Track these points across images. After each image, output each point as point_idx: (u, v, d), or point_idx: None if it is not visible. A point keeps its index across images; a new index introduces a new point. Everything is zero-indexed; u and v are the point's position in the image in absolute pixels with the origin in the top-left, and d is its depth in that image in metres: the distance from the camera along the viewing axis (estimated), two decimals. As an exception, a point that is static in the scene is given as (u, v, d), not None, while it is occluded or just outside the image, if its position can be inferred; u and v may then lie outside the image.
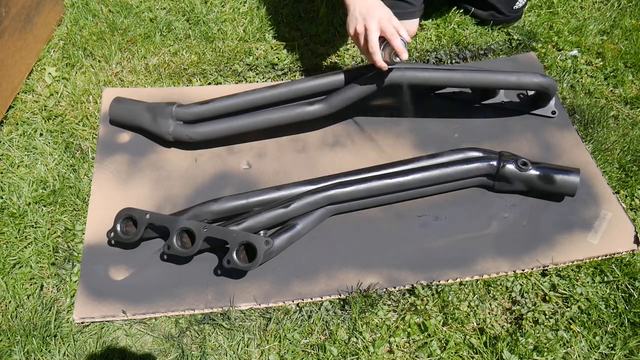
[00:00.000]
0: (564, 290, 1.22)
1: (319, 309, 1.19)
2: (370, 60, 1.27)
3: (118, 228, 1.22)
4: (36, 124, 1.51)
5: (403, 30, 1.25)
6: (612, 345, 1.15)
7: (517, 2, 1.71)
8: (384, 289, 1.21)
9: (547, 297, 1.21)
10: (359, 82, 1.35)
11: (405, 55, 1.23)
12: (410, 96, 1.50)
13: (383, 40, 1.25)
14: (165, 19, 1.80)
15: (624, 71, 1.68)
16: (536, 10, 1.85)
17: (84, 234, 1.29)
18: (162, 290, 1.20)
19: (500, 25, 1.78)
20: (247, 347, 1.14)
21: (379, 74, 1.33)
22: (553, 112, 1.52)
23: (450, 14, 1.80)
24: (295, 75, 1.66)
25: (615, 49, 1.73)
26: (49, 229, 1.31)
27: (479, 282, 1.23)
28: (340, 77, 1.41)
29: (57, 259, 1.26)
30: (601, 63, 1.70)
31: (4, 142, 1.47)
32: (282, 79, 1.65)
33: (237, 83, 1.64)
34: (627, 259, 1.26)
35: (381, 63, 1.25)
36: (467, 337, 1.15)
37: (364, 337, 1.14)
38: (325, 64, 1.68)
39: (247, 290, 1.20)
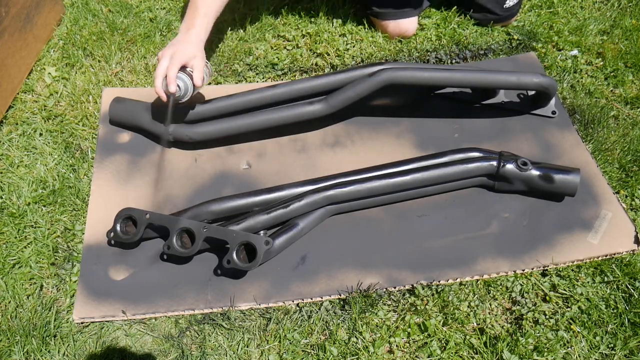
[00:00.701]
0: (564, 290, 1.21)
1: (319, 309, 1.19)
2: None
3: (118, 228, 1.22)
4: (36, 124, 1.51)
5: (198, 73, 1.29)
6: (612, 345, 1.14)
7: (508, 1, 1.71)
8: (384, 289, 1.21)
9: (547, 297, 1.21)
10: (359, 82, 1.35)
11: (171, 88, 1.24)
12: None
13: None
14: (165, 18, 1.80)
15: (624, 71, 1.67)
16: (536, 10, 1.85)
17: (83, 234, 1.29)
18: (162, 290, 1.20)
19: (499, 25, 1.78)
20: (247, 347, 1.14)
21: (380, 74, 1.33)
22: (553, 112, 1.52)
23: (450, 13, 1.80)
24: (295, 75, 1.66)
25: (615, 49, 1.73)
26: (48, 229, 1.30)
27: (479, 282, 1.23)
28: (340, 77, 1.41)
29: (56, 259, 1.26)
30: (601, 63, 1.70)
31: (3, 142, 1.47)
32: (282, 79, 1.65)
33: (237, 83, 1.63)
34: (627, 259, 1.26)
35: (158, 89, 1.26)
36: (467, 337, 1.15)
37: (364, 337, 1.14)
38: (325, 64, 1.68)
39: (247, 290, 1.20)
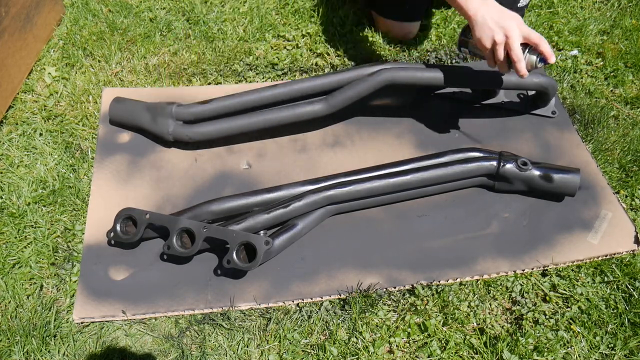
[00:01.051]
0: (564, 290, 1.21)
1: (319, 309, 1.19)
2: (512, 68, 1.21)
3: (118, 228, 1.22)
4: (36, 123, 1.51)
5: (536, 33, 1.19)
6: (612, 345, 1.14)
7: (521, 0, 1.71)
8: (384, 289, 1.21)
9: (547, 297, 1.21)
10: (359, 82, 1.35)
11: (553, 59, 1.17)
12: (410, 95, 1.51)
13: (525, 47, 1.19)
14: (165, 18, 1.80)
15: (624, 71, 1.68)
16: (536, 10, 1.85)
17: (83, 234, 1.28)
18: (162, 290, 1.20)
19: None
20: (247, 347, 1.14)
21: (380, 74, 1.33)
22: (553, 112, 1.52)
23: (450, 14, 1.80)
24: (295, 75, 1.66)
25: (615, 49, 1.73)
26: (48, 229, 1.30)
27: (479, 282, 1.23)
28: (340, 77, 1.41)
29: (56, 259, 1.26)
30: (601, 63, 1.70)
31: (3, 142, 1.47)
32: (282, 79, 1.65)
33: (237, 83, 1.64)
34: (627, 259, 1.26)
35: (524, 71, 1.18)
36: (467, 337, 1.15)
37: (364, 337, 1.14)
38: (325, 64, 1.68)
39: (247, 290, 1.20)
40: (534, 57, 1.19)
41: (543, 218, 1.32)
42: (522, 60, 1.17)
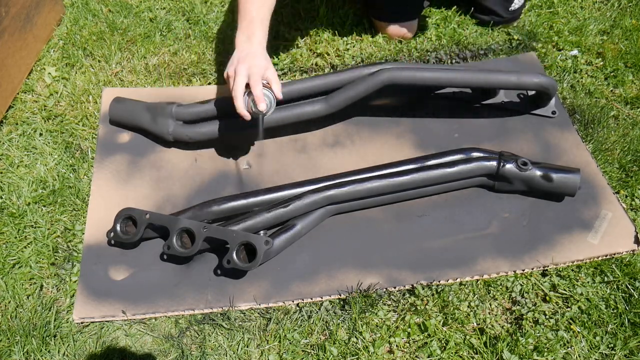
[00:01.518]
0: (564, 290, 1.21)
1: (319, 309, 1.19)
2: (234, 104, 1.22)
3: (118, 228, 1.22)
4: (36, 123, 1.51)
5: (276, 85, 1.22)
6: (612, 345, 1.14)
7: (514, 4, 1.72)
8: (384, 289, 1.21)
9: (547, 297, 1.21)
10: (359, 82, 1.35)
11: (262, 106, 1.19)
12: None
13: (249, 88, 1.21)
14: (165, 18, 1.80)
15: (624, 71, 1.67)
16: (536, 10, 1.85)
17: (83, 234, 1.29)
18: (162, 291, 1.20)
19: (500, 26, 1.78)
20: (247, 347, 1.14)
21: (380, 74, 1.33)
22: (553, 112, 1.52)
23: (450, 13, 1.80)
24: (295, 75, 1.66)
25: (615, 49, 1.73)
26: (48, 229, 1.30)
27: (479, 282, 1.23)
28: (340, 77, 1.41)
29: (56, 259, 1.26)
30: (601, 63, 1.70)
31: (3, 142, 1.47)
32: (282, 79, 1.65)
33: (237, 83, 1.63)
34: (627, 259, 1.26)
35: (241, 109, 1.20)
36: (467, 337, 1.15)
37: (364, 337, 1.14)
38: (325, 64, 1.68)
39: (247, 290, 1.20)
40: (250, 101, 1.21)
41: (543, 218, 1.32)
42: (237, 98, 1.19)
